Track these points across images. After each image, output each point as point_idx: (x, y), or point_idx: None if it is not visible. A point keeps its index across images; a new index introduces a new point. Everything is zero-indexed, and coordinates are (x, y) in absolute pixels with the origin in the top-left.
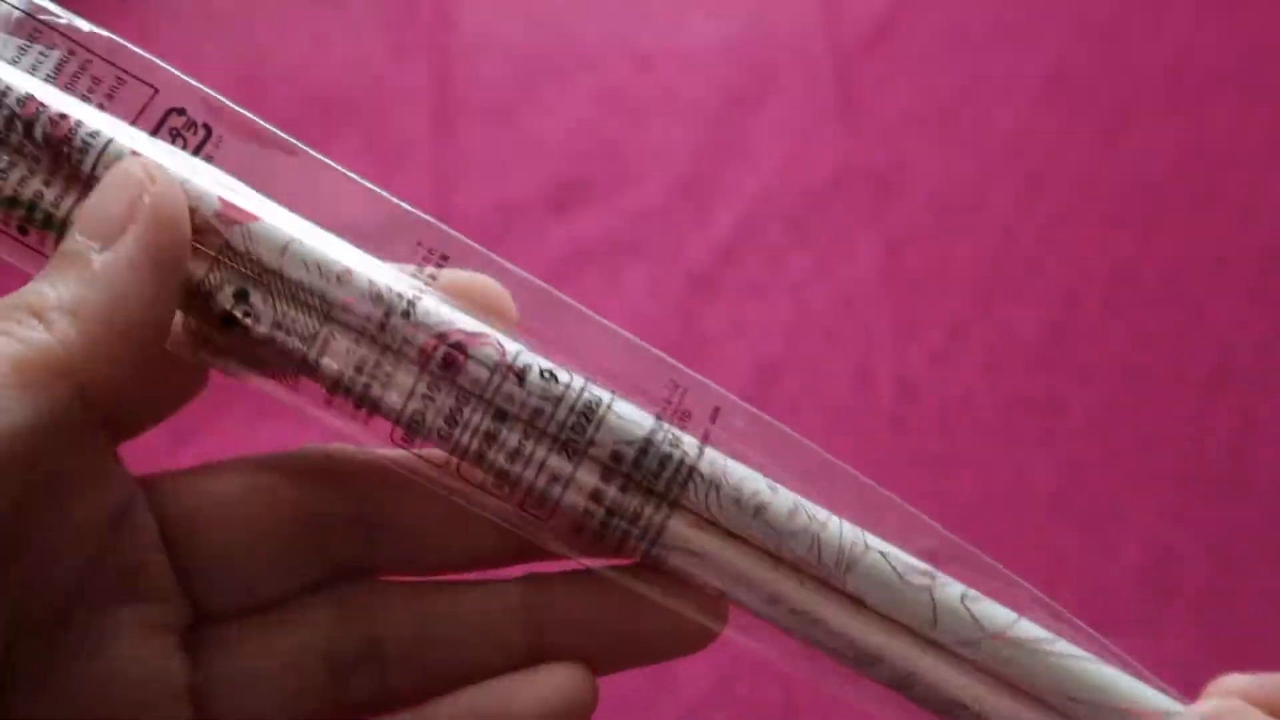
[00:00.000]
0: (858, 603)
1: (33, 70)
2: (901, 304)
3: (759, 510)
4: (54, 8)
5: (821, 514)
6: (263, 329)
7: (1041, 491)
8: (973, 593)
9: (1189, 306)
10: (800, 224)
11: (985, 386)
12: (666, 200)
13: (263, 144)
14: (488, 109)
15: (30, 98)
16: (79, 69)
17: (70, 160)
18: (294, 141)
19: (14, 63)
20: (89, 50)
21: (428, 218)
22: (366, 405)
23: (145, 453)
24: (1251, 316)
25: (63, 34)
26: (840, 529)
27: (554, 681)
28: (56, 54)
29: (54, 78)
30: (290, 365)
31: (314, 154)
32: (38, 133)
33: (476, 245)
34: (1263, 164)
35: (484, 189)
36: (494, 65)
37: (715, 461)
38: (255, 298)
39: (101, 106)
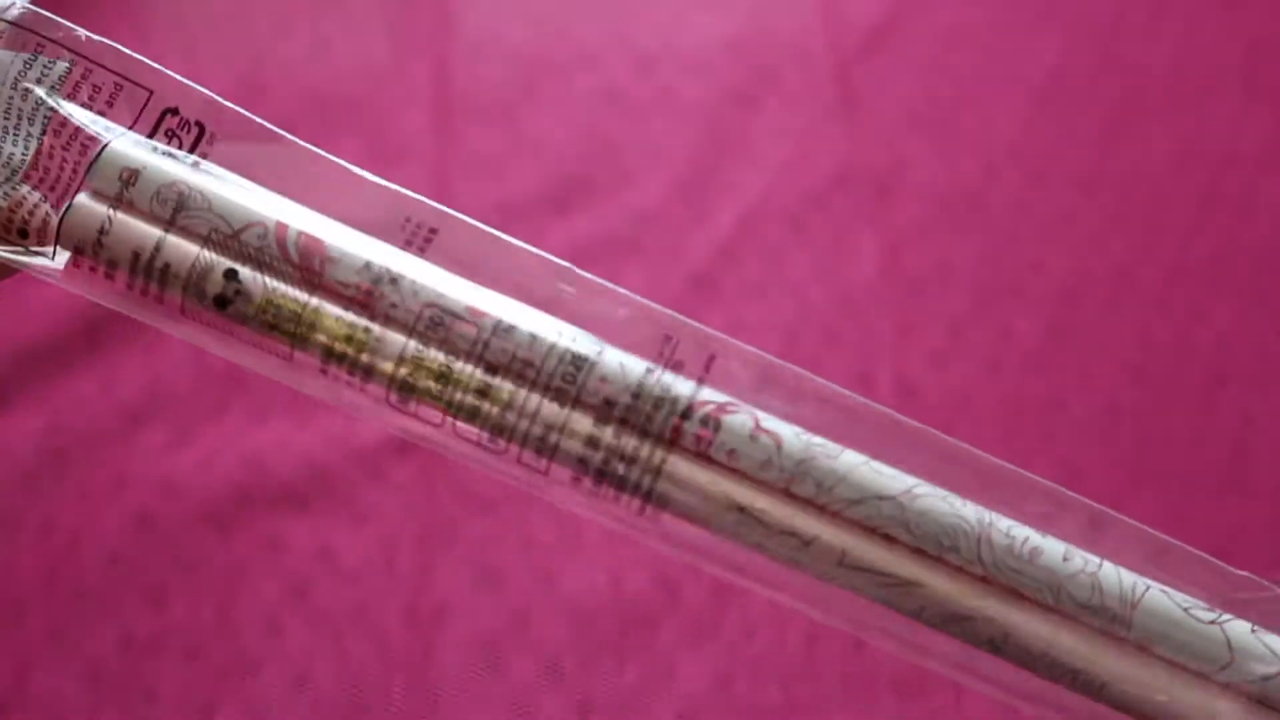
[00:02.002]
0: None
1: (39, 81)
2: (901, 304)
3: (1033, 555)
4: (56, 18)
5: (1092, 560)
6: (255, 305)
7: None
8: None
9: (1189, 306)
10: (800, 224)
11: (985, 386)
12: (666, 200)
13: (255, 139)
14: (488, 109)
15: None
16: (81, 78)
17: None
18: (285, 134)
19: (22, 74)
20: (89, 59)
21: (421, 198)
22: (360, 372)
23: (147, 452)
24: (1251, 316)
25: (65, 46)
26: (1118, 573)
27: None
28: (61, 65)
29: (58, 88)
30: (284, 338)
31: (305, 145)
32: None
33: (464, 216)
34: (1263, 164)
35: (484, 189)
36: (494, 65)
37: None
38: (245, 274)
39: (102, 113)
